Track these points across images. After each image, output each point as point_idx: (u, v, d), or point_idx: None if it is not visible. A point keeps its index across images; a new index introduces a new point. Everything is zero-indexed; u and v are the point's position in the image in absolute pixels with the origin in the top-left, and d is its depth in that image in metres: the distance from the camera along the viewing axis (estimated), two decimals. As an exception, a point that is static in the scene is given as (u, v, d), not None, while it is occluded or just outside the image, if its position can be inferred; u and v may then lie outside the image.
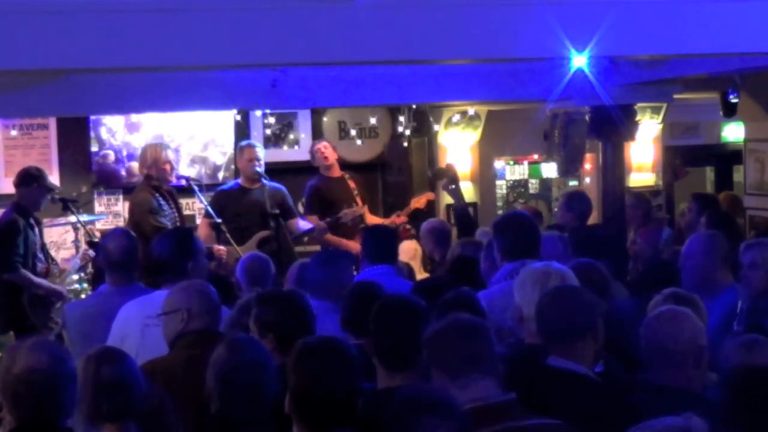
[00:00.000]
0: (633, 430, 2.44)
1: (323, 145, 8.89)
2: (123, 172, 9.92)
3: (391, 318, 3.61)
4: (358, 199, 8.79)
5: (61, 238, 9.25)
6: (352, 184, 8.84)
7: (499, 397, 3.21)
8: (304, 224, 8.41)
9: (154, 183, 7.66)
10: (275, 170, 8.90)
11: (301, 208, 9.80)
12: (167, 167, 7.71)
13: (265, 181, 8.12)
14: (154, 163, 7.69)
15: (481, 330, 3.34)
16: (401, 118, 10.48)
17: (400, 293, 4.49)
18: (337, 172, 8.89)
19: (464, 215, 8.15)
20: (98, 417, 3.31)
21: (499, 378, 3.30)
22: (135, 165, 9.86)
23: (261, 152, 8.28)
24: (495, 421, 3.15)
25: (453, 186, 8.27)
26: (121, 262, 5.14)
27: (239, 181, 8.38)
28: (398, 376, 3.50)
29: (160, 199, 7.61)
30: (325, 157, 8.79)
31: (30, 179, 7.31)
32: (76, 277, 7.74)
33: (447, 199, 10.67)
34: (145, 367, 3.90)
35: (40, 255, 7.40)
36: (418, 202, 9.12)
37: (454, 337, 3.29)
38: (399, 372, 3.51)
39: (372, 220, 8.90)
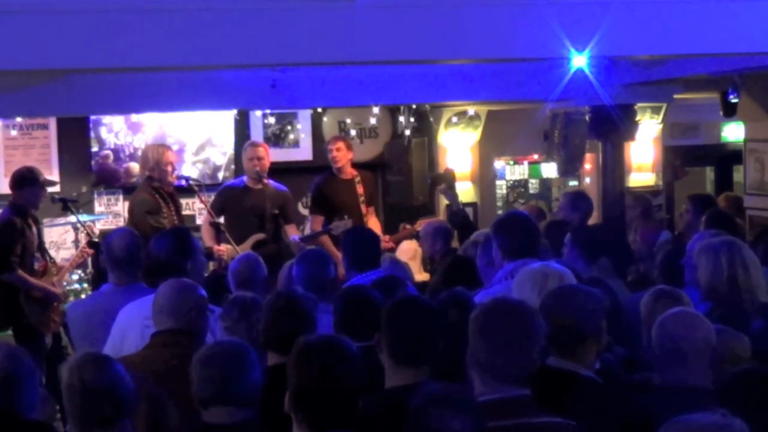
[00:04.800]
0: (666, 427, 2.43)
1: (336, 147, 8.52)
2: (122, 172, 9.93)
3: (406, 312, 3.61)
4: (364, 207, 8.52)
5: (61, 238, 9.26)
6: (360, 189, 8.51)
7: (515, 392, 3.21)
8: (293, 233, 8.35)
9: (155, 184, 7.65)
10: (275, 170, 8.87)
11: (301, 208, 9.80)
12: (168, 168, 7.68)
13: (269, 182, 8.10)
14: (156, 164, 7.67)
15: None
16: (401, 118, 10.48)
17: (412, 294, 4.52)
18: (347, 174, 8.55)
19: (462, 218, 8.12)
20: (86, 425, 3.32)
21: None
22: (133, 165, 9.88)
23: (264, 152, 8.22)
24: (509, 416, 3.15)
25: (450, 191, 8.23)
26: (124, 261, 5.13)
27: (244, 179, 8.34)
28: (409, 372, 3.48)
29: (160, 200, 7.60)
30: (334, 158, 8.48)
31: (22, 181, 7.29)
32: (76, 277, 7.74)
33: (446, 199, 10.68)
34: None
35: (37, 254, 7.40)
36: (411, 230, 8.88)
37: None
38: (410, 367, 3.49)
39: (370, 224, 8.72)
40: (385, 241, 8.44)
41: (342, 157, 8.48)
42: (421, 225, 8.19)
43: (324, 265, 5.30)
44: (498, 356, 3.21)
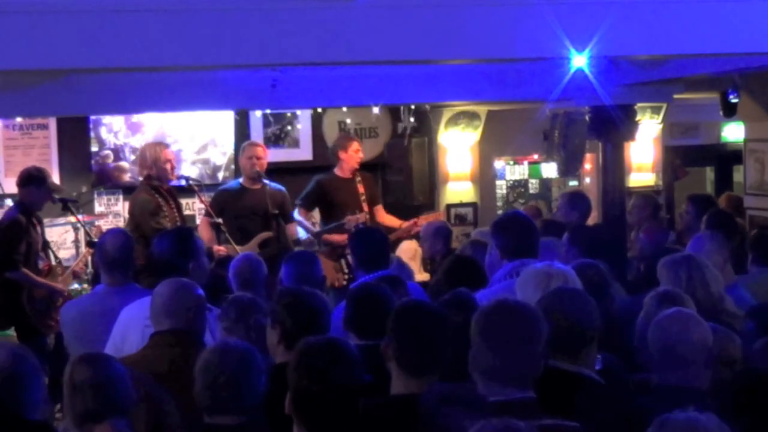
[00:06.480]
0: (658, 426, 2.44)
1: (360, 147, 8.65)
2: (112, 170, 9.93)
3: (415, 321, 3.53)
4: (364, 205, 8.49)
5: (61, 238, 9.26)
6: (361, 188, 8.53)
7: (518, 395, 3.21)
8: (299, 231, 8.35)
9: (154, 183, 7.64)
10: (275, 170, 8.87)
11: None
12: (168, 166, 7.68)
13: (266, 182, 8.10)
14: (154, 162, 7.66)
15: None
16: (401, 118, 10.48)
17: (419, 299, 4.51)
18: (348, 173, 8.57)
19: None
20: (81, 420, 3.36)
21: None
22: (123, 164, 9.90)
23: (263, 152, 8.23)
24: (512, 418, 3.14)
25: None
26: (116, 262, 5.12)
27: (240, 180, 8.34)
28: (418, 381, 3.42)
29: (160, 199, 7.60)
30: (361, 158, 8.58)
31: (28, 180, 7.31)
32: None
33: (447, 199, 10.69)
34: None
35: (41, 254, 7.41)
36: (413, 224, 8.87)
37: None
38: (418, 376, 3.44)
39: (385, 220, 8.70)
40: (405, 226, 8.46)
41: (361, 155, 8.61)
42: (424, 220, 8.21)
43: (312, 264, 5.35)
44: (500, 359, 3.21)
